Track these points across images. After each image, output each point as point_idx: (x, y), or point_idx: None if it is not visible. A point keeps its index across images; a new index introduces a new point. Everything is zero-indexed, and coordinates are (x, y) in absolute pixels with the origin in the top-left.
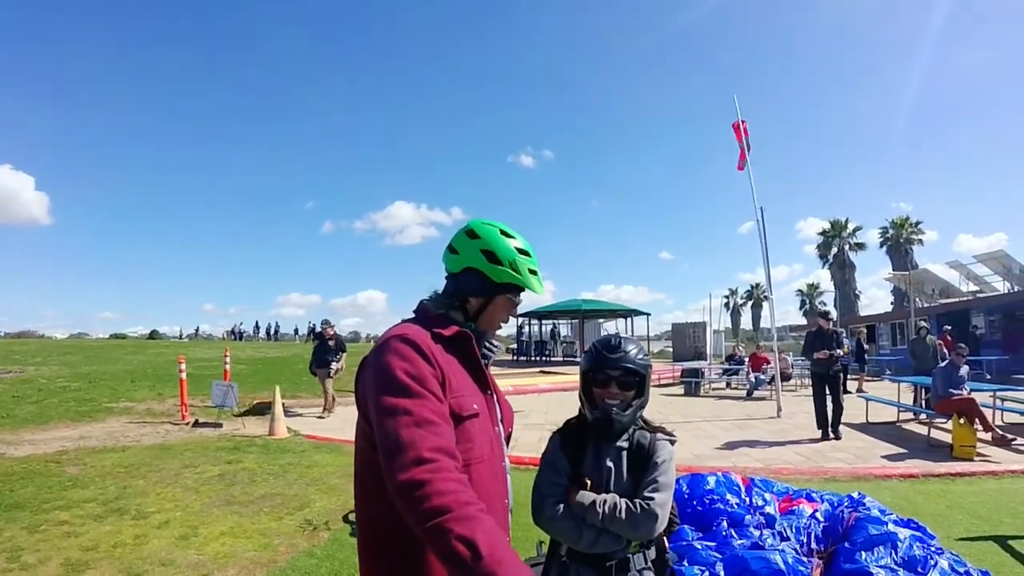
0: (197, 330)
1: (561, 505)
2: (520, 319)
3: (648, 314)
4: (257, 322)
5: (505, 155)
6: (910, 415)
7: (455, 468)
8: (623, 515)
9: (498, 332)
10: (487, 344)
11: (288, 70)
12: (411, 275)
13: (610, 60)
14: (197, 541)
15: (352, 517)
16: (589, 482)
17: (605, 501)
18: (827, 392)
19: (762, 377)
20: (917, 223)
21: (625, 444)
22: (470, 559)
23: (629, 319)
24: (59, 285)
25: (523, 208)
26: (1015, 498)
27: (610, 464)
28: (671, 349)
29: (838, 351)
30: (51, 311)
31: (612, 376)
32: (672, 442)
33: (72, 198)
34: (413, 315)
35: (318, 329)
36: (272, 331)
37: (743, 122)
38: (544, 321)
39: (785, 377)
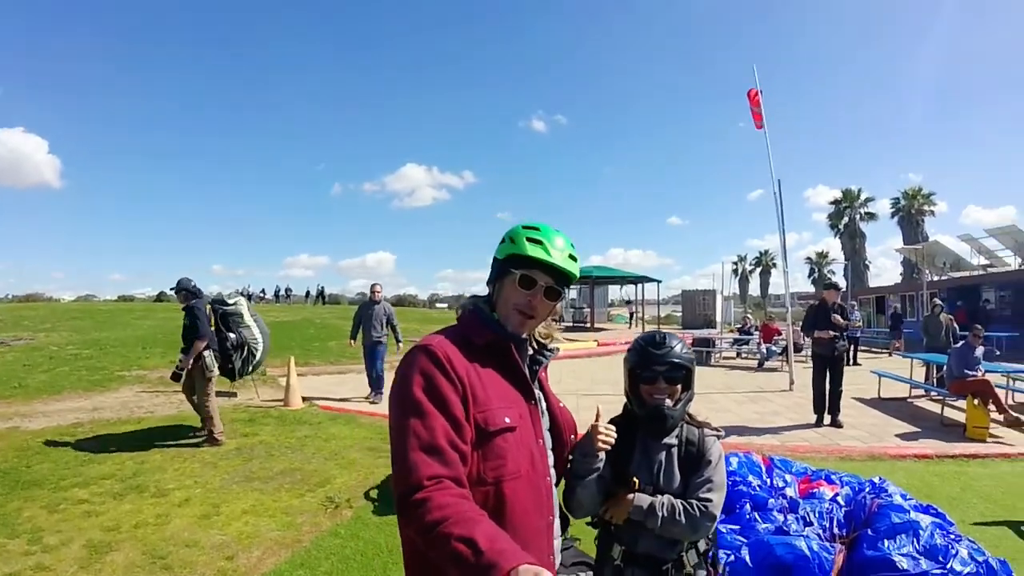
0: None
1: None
2: None
3: (659, 281)
4: (264, 288)
5: (517, 119)
6: (921, 391)
7: (455, 487)
8: (683, 518)
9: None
10: (540, 350)
11: (300, 32)
12: (421, 237)
13: (625, 27)
14: (219, 520)
15: (374, 494)
16: (637, 481)
17: (663, 504)
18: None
19: (774, 349)
20: (929, 194)
21: (674, 441)
22: (471, 555)
23: (640, 285)
24: (68, 247)
25: (535, 172)
26: None
27: (660, 462)
28: (679, 315)
29: (850, 320)
30: (60, 273)
31: (659, 372)
32: (720, 437)
33: (83, 161)
34: (457, 321)
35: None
36: (282, 293)
37: (759, 92)
38: None
39: (796, 348)
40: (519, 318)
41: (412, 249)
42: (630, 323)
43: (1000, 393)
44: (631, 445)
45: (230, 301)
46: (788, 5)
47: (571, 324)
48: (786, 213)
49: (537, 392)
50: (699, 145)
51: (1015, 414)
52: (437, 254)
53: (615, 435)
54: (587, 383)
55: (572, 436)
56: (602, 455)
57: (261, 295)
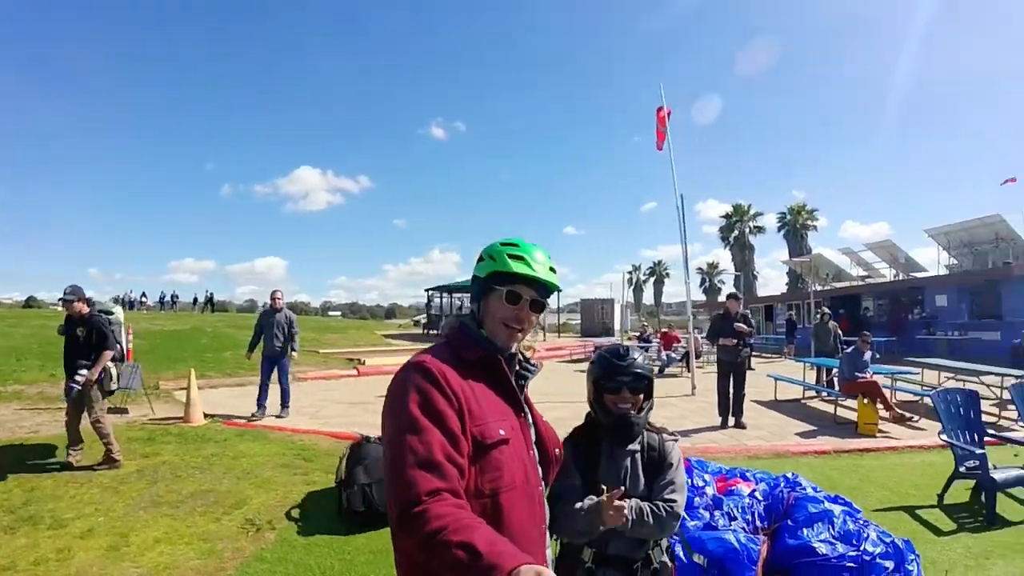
0: None
1: (578, 503)
2: (430, 292)
3: (559, 289)
4: (146, 292)
5: (416, 125)
6: (812, 392)
7: (452, 498)
8: (651, 519)
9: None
10: (525, 365)
11: (189, 25)
12: (314, 242)
13: (525, 37)
14: (130, 552)
15: (296, 514)
16: (605, 488)
17: (632, 508)
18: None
19: (674, 355)
20: (812, 210)
21: (637, 447)
22: (471, 560)
23: None
24: None
25: (433, 179)
26: (916, 471)
27: (626, 467)
28: (575, 323)
29: (748, 329)
30: None
31: (623, 382)
32: (676, 441)
33: None
34: (443, 339)
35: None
36: (167, 300)
37: (669, 110)
38: (455, 295)
39: (696, 354)
40: (507, 332)
41: (304, 255)
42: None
43: (886, 393)
44: (597, 453)
45: (113, 310)
46: (681, 25)
47: None
48: (678, 226)
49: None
50: (595, 157)
51: (900, 411)
52: (331, 260)
53: (625, 509)
54: None
55: (556, 450)
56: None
57: (142, 301)
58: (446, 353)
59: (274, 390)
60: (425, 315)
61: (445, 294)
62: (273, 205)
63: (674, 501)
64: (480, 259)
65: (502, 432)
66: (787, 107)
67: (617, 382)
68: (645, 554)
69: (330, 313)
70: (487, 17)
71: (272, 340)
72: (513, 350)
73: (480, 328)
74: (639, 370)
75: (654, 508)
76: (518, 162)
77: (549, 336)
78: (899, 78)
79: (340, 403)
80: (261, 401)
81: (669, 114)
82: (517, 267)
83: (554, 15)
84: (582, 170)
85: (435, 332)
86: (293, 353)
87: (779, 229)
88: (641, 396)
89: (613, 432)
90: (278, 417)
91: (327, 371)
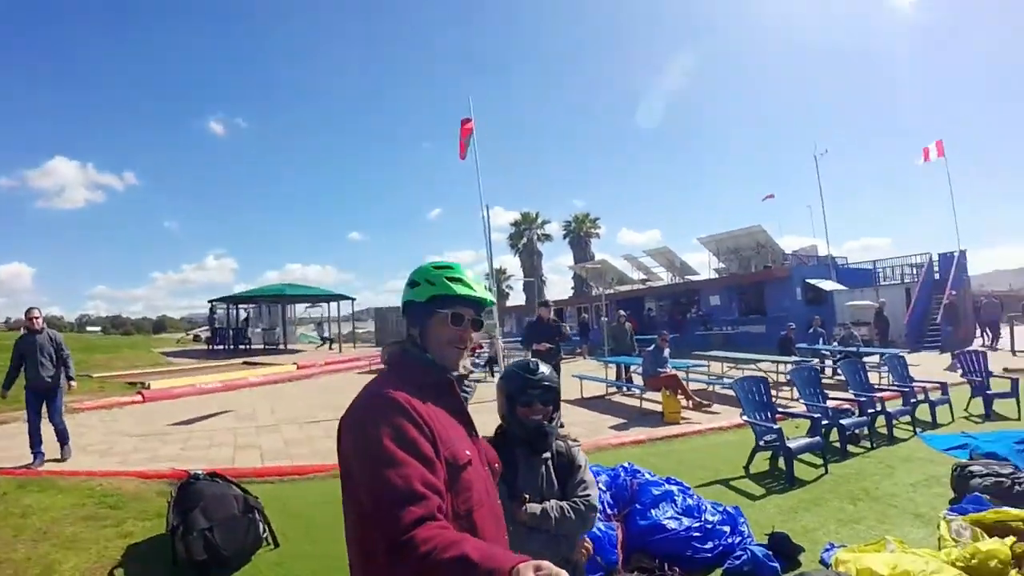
0: None
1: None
2: (213, 303)
3: (353, 299)
4: None
5: (192, 118)
6: (613, 388)
7: (435, 522)
8: (572, 515)
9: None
10: (463, 386)
11: None
12: (69, 246)
13: (312, 36)
14: None
15: (121, 574)
16: (528, 496)
17: (554, 508)
18: None
19: (477, 361)
20: (595, 219)
21: (548, 454)
22: (468, 571)
23: (336, 303)
24: None
25: (209, 177)
26: (721, 448)
27: (542, 474)
28: (362, 332)
29: (566, 335)
30: None
31: (534, 395)
32: (579, 445)
33: None
34: (386, 367)
35: None
36: None
37: (472, 120)
38: (241, 306)
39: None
40: (455, 352)
41: (57, 261)
42: (329, 344)
43: (684, 384)
44: (515, 463)
45: None
46: (469, 33)
47: (263, 347)
48: (465, 232)
49: None
50: (381, 161)
51: (697, 399)
52: (88, 267)
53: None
54: (304, 409)
55: (496, 464)
56: None
57: None
58: (399, 381)
59: (46, 428)
60: (208, 328)
61: (231, 305)
62: (19, 201)
63: (588, 495)
64: (415, 284)
65: (468, 452)
66: (561, 118)
67: (529, 395)
68: (564, 556)
69: (89, 329)
70: (268, 8)
71: (37, 369)
72: (461, 371)
73: (424, 352)
74: (548, 382)
75: (573, 504)
76: (302, 164)
77: (344, 347)
78: (662, 97)
79: (131, 435)
80: (36, 447)
81: (473, 124)
82: (458, 289)
83: (336, 14)
84: (368, 175)
85: (221, 347)
86: (72, 383)
87: (565, 236)
88: (551, 407)
89: (530, 443)
90: (60, 460)
91: (106, 398)
